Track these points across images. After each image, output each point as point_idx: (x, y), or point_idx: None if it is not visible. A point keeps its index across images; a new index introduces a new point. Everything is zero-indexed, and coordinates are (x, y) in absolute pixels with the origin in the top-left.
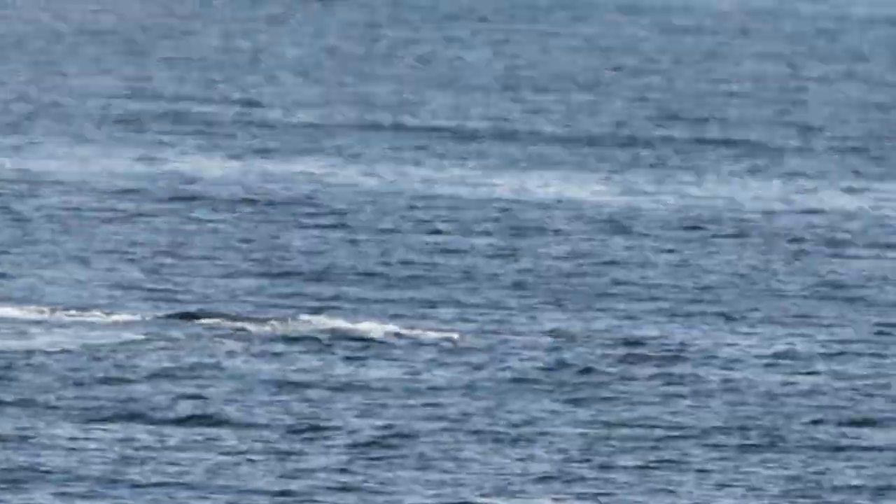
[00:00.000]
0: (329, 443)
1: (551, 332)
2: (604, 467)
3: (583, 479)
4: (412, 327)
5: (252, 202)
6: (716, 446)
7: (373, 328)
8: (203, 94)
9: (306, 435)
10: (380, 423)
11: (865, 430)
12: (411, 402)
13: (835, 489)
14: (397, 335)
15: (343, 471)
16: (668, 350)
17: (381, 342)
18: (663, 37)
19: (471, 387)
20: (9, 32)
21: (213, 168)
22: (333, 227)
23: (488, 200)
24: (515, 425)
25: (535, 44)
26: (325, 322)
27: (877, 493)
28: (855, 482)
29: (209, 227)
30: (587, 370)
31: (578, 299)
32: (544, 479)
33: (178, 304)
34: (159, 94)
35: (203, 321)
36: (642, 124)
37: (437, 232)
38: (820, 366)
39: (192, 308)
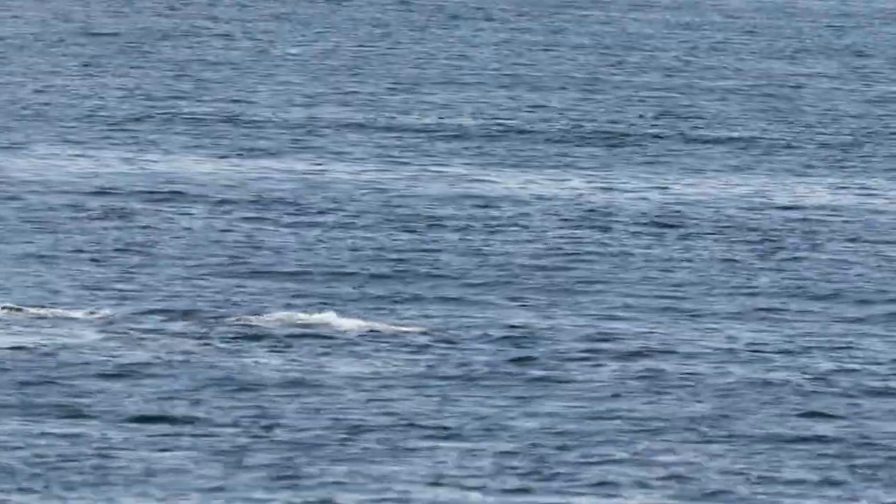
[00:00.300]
0: (276, 439)
1: (517, 328)
2: (556, 462)
3: (534, 472)
4: (378, 323)
5: (230, 201)
6: (670, 440)
7: (337, 325)
8: (195, 94)
9: (253, 432)
10: (330, 419)
11: (816, 424)
12: (366, 397)
13: (784, 482)
14: (363, 331)
15: (285, 467)
16: (632, 345)
17: (345, 339)
18: (668, 33)
19: (428, 382)
20: (9, 33)
21: (193, 167)
22: (309, 225)
23: (467, 197)
24: (468, 420)
25: (539, 40)
26: (289, 319)
27: (823, 485)
28: (803, 475)
29: (182, 226)
30: (550, 365)
31: (548, 294)
32: (494, 474)
33: (142, 303)
34: (152, 94)
35: (166, 319)
36: (633, 121)
37: (412, 230)
38: (782, 360)
39: (158, 306)
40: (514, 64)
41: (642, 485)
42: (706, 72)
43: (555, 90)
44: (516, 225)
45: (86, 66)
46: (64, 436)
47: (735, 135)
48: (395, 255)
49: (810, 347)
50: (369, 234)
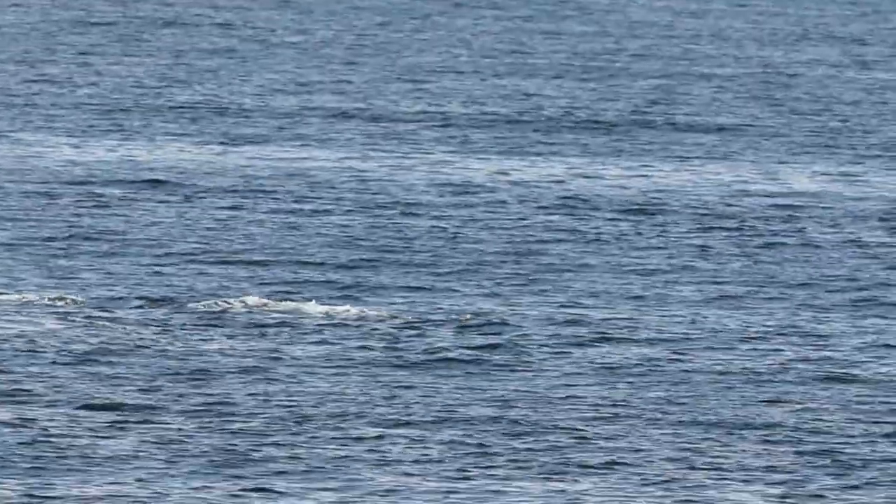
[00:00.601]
0: (224, 427)
1: (483, 314)
2: (505, 448)
3: (481, 458)
4: (345, 309)
5: (209, 189)
6: (623, 426)
7: (305, 311)
8: (186, 82)
9: (202, 419)
10: (282, 405)
11: (768, 410)
12: (320, 384)
13: (728, 468)
14: (328, 318)
15: (229, 452)
16: (595, 331)
17: (310, 325)
18: (675, 20)
19: (386, 369)
20: (8, 22)
21: (176, 155)
22: (284, 212)
23: (445, 185)
24: (421, 407)
25: (540, 28)
26: (256, 305)
27: (769, 471)
28: (750, 461)
29: (156, 214)
30: (512, 351)
31: (518, 281)
32: (441, 460)
33: (110, 290)
34: (144, 83)
35: (132, 306)
36: (622, 109)
37: (387, 217)
38: (743, 347)
39: (125, 293)
40: (512, 52)
41: (591, 470)
42: (705, 60)
43: (549, 78)
44: (492, 211)
45: (82, 54)
46: (7, 422)
47: (720, 122)
48: (367, 242)
49: (773, 334)
50: (343, 221)
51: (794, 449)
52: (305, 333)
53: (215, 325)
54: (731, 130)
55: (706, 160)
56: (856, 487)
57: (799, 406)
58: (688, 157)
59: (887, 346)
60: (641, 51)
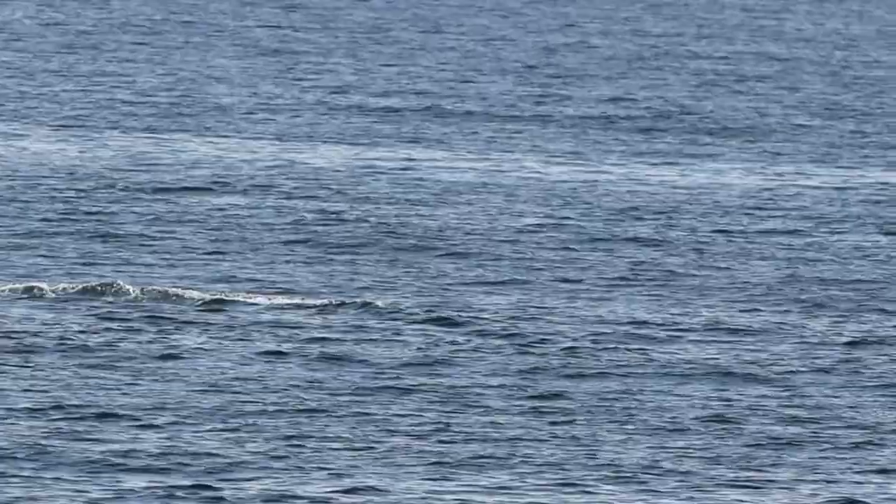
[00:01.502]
0: (121, 422)
1: (421, 305)
2: (386, 445)
3: (364, 453)
4: (270, 298)
5: (160, 181)
6: (555, 422)
7: (228, 299)
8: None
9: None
10: (177, 396)
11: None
12: (207, 375)
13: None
14: (248, 307)
15: (94, 442)
16: (507, 323)
17: (227, 315)
18: (705, 15)
19: (285, 359)
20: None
21: (137, 147)
22: (234, 203)
23: (423, 180)
24: (320, 400)
25: (560, 24)
26: (181, 296)
27: (711, 462)
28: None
29: (108, 206)
30: (433, 346)
31: (459, 270)
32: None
33: (40, 280)
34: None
35: (46, 294)
36: (631, 106)
37: (338, 206)
38: (666, 341)
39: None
40: (514, 51)
41: (538, 464)
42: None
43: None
44: (444, 202)
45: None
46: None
47: (729, 120)
48: (311, 231)
49: (691, 330)
50: (288, 210)
51: (710, 444)
52: (223, 320)
53: (127, 318)
54: (729, 127)
55: (699, 158)
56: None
57: (713, 401)
58: (681, 154)
59: None
60: (661, 48)
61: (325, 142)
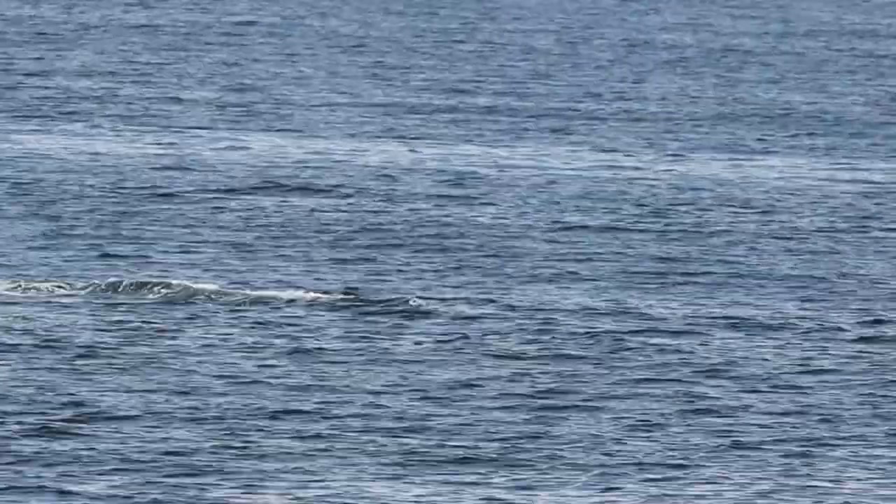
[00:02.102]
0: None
1: (392, 300)
2: (361, 442)
3: (330, 450)
4: (240, 292)
5: (155, 177)
6: (519, 411)
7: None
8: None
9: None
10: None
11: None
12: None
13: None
14: (217, 300)
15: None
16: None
17: (201, 309)
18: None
19: (259, 354)
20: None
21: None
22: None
23: (420, 170)
24: (288, 398)
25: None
26: (147, 288)
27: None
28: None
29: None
30: (404, 339)
31: (433, 265)
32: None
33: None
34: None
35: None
36: (641, 102)
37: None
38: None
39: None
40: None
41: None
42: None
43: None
44: (419, 195)
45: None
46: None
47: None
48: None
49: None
50: (254, 205)
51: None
52: (198, 316)
53: (109, 311)
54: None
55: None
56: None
57: (679, 396)
58: (677, 150)
59: None
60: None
61: (372, 138)
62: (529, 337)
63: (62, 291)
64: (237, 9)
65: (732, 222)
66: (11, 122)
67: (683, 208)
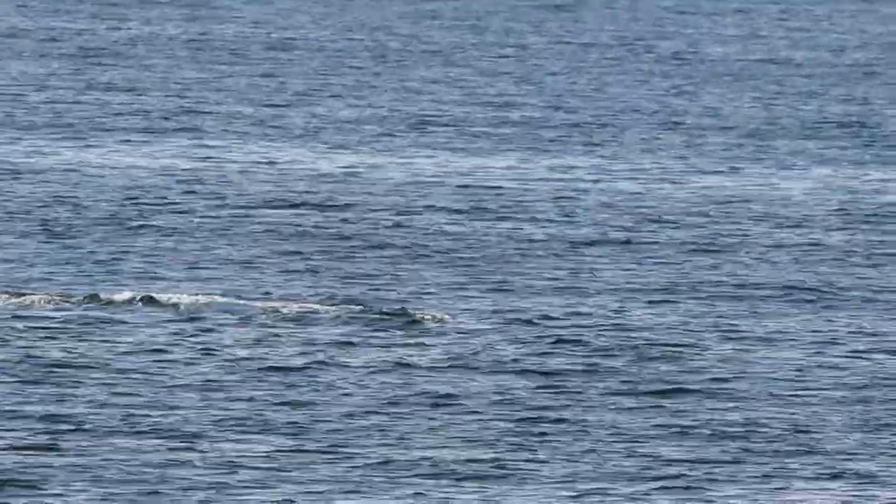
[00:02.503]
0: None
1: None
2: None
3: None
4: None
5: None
6: (478, 418)
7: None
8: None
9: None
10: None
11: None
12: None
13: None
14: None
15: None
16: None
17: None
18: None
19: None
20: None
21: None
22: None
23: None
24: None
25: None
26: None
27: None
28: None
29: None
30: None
31: (401, 276)
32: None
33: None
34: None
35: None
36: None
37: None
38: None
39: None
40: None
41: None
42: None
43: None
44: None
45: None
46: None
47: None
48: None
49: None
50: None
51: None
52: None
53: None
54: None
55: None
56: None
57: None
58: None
59: None
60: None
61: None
62: (533, 350)
63: (54, 305)
64: (287, 23)
65: (762, 233)
66: (51, 137)
67: (700, 220)
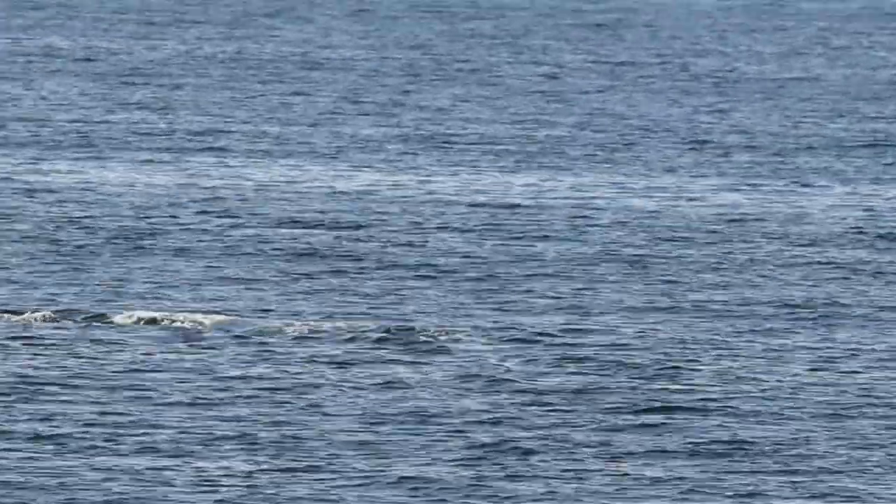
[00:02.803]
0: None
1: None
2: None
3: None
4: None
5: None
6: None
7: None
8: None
9: None
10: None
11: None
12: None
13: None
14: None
15: None
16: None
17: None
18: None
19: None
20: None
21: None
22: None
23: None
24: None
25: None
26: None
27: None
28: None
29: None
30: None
31: (397, 293)
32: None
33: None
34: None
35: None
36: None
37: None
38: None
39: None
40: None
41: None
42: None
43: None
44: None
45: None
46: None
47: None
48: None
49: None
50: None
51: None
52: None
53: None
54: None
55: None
56: None
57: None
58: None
59: None
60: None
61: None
62: (531, 368)
63: (54, 323)
64: (325, 41)
65: (774, 251)
66: (73, 157)
67: (713, 238)
